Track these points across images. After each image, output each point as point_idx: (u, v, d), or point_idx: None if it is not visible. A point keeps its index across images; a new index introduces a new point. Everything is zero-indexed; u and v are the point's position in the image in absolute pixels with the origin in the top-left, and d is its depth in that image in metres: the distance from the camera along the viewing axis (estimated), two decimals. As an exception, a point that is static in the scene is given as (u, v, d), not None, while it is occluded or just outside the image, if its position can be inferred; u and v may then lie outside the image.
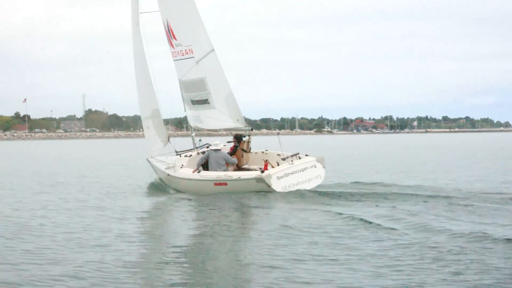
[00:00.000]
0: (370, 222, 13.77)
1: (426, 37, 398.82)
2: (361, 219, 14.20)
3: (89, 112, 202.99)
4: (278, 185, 18.71)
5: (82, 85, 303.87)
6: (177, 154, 22.47)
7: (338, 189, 19.79)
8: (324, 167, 19.91)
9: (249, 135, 21.77)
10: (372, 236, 12.36)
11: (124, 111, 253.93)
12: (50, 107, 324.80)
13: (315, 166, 19.62)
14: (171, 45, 21.93)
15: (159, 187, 22.38)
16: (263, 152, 22.39)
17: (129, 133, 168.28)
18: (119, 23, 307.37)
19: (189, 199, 18.83)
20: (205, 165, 20.54)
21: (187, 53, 21.54)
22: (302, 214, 15.35)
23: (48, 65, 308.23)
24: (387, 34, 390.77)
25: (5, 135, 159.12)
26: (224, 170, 20.05)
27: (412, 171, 30.14)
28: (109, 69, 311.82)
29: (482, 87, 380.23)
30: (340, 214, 15.11)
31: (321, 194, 18.58)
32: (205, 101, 21.80)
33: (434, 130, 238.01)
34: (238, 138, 21.34)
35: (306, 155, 20.32)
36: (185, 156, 22.21)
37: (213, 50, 21.21)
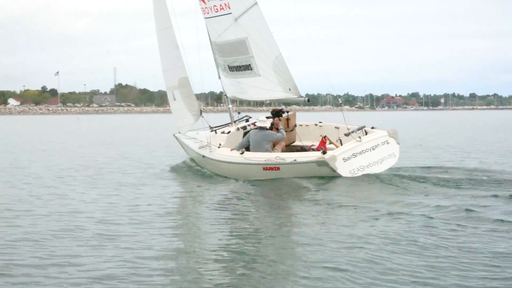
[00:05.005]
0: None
1: (453, 15, 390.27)
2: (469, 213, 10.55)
3: (119, 87, 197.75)
4: (345, 169, 14.81)
5: (109, 59, 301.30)
6: (212, 130, 18.75)
7: (421, 172, 15.85)
8: (398, 143, 15.91)
9: (287, 112, 17.82)
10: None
11: (153, 86, 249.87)
12: (76, 82, 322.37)
13: (387, 142, 15.64)
14: (202, -1, 18.00)
15: (190, 168, 19.01)
16: (316, 124, 18.50)
17: (167, 107, 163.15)
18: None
19: (229, 185, 15.43)
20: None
21: (222, 8, 17.44)
22: (380, 210, 11.53)
23: (74, 40, 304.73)
24: (414, 12, 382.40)
25: (40, 109, 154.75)
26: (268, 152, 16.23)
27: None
28: (136, 44, 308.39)
29: (509, 63, 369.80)
30: (436, 206, 11.37)
31: (401, 178, 14.74)
32: (246, 67, 17.73)
33: (480, 107, 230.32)
34: (274, 115, 17.32)
35: (373, 128, 16.38)
36: (222, 132, 18.42)
37: (256, 3, 17.02)
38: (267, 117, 17.60)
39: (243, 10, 17.05)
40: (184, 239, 10.08)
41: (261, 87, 17.56)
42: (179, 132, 20.10)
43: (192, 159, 19.72)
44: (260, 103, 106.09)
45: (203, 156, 17.57)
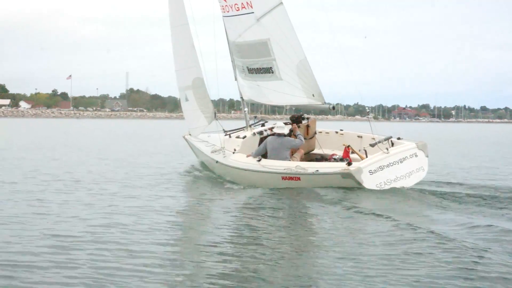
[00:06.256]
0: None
1: (462, 25, 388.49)
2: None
3: (131, 92, 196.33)
4: (371, 182, 13.83)
5: (120, 65, 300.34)
6: (226, 134, 17.80)
7: (454, 188, 14.79)
8: (427, 156, 14.93)
9: (307, 118, 16.92)
10: None
11: (165, 92, 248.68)
12: (86, 86, 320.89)
13: (415, 155, 14.66)
14: (222, -3, 17.03)
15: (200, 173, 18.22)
16: (337, 132, 17.53)
17: (181, 113, 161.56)
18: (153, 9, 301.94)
19: (245, 193, 14.54)
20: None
21: (244, 7, 16.40)
22: (412, 228, 10.51)
23: (85, 45, 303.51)
24: (423, 22, 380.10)
25: (53, 112, 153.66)
26: (287, 160, 15.33)
27: None
28: (147, 50, 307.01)
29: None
30: (473, 226, 10.35)
31: (429, 193, 13.70)
32: (267, 70, 16.69)
33: (496, 120, 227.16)
34: (293, 121, 16.49)
35: (399, 139, 15.40)
36: (237, 137, 17.42)
37: (281, 3, 15.95)
38: (285, 123, 16.70)
39: (266, 10, 16.00)
40: (195, 249, 9.31)
41: (282, 91, 16.54)
42: (190, 134, 19.25)
43: (202, 162, 18.84)
44: (273, 111, 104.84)
45: (217, 161, 16.70)
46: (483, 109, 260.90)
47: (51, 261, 8.38)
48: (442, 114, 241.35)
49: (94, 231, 10.28)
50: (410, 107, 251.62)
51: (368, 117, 15.83)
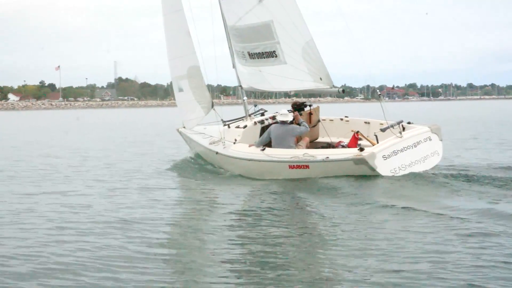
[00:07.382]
0: None
1: (446, 4, 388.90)
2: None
3: (119, 80, 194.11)
4: (385, 168, 13.23)
5: (107, 54, 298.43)
6: (224, 125, 17.02)
7: (474, 171, 14.19)
8: (441, 140, 14.38)
9: (310, 105, 16.22)
10: None
11: (153, 80, 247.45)
12: (73, 77, 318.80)
13: (429, 139, 14.13)
14: (220, -22, 16.22)
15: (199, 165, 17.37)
16: (342, 119, 16.89)
17: (172, 101, 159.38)
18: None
19: (249, 185, 13.98)
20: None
21: None
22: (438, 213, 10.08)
23: (71, 35, 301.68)
24: (409, 4, 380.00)
25: (43, 104, 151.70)
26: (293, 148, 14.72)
27: None
28: (136, 41, 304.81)
29: (504, 53, 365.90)
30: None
31: (447, 177, 13.06)
32: (270, 54, 15.80)
33: (486, 97, 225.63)
34: (295, 109, 15.75)
35: (409, 123, 14.81)
36: (237, 127, 16.65)
37: None
38: (289, 110, 15.99)
39: (270, -10, 15.17)
40: (200, 245, 8.95)
41: (286, 76, 15.68)
42: (184, 127, 18.44)
43: (198, 155, 18.06)
44: (266, 96, 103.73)
45: (217, 153, 15.96)
46: (470, 86, 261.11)
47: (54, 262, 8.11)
48: (430, 92, 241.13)
49: (87, 227, 10.02)
50: (398, 86, 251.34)
51: (380, 100, 15.11)
